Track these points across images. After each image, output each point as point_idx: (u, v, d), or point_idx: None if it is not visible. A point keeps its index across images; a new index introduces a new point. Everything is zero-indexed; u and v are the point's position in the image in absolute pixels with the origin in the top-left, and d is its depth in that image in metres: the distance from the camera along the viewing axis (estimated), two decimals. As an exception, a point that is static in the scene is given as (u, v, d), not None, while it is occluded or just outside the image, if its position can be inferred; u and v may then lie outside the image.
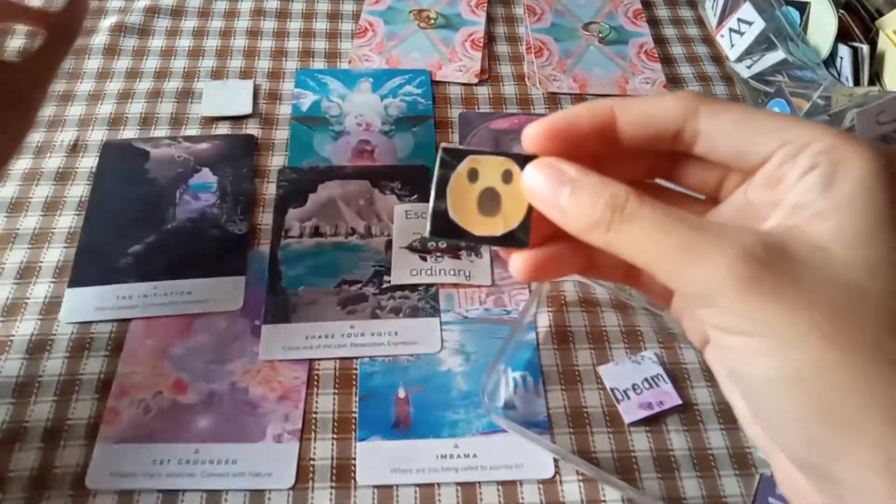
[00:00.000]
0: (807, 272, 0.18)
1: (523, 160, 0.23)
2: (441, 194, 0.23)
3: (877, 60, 0.55)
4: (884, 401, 0.17)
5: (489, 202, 0.23)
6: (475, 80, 0.61)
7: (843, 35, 0.55)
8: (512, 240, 0.23)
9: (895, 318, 0.18)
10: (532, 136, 0.22)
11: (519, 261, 0.23)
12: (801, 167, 0.19)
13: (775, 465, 0.21)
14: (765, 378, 0.18)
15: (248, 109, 0.57)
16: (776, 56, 0.58)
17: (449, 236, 0.23)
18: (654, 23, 0.68)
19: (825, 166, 0.19)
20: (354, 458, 0.39)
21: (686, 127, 0.21)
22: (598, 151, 0.22)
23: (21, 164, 0.52)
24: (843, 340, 0.17)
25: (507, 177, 0.23)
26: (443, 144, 0.23)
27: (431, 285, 0.47)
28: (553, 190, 0.21)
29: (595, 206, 0.20)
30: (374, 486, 0.39)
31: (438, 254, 0.48)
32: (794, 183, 0.19)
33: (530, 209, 0.23)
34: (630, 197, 0.20)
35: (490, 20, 0.67)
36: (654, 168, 0.24)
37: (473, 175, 0.23)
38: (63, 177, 0.52)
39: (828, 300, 0.18)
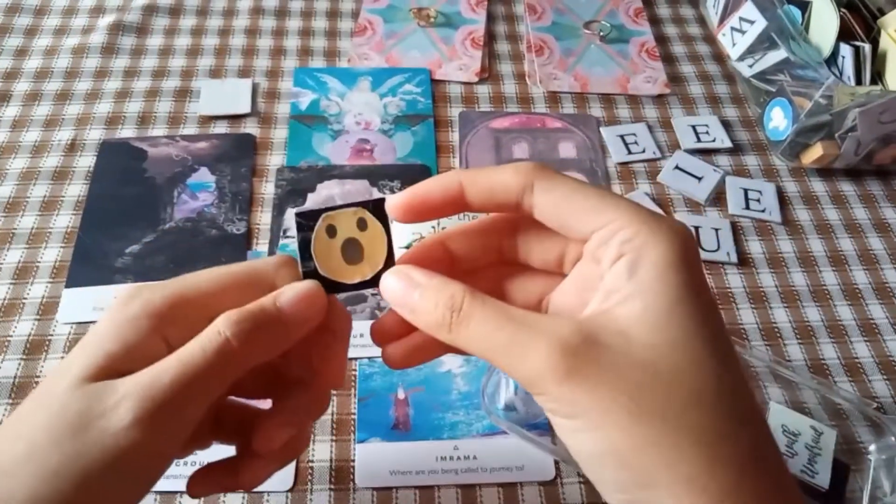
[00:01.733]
0: (612, 357, 0.20)
1: (373, 205, 0.25)
2: (307, 255, 0.25)
3: (878, 60, 0.55)
4: (682, 469, 0.19)
5: (352, 251, 0.25)
6: (475, 79, 0.61)
7: (845, 34, 0.55)
8: (381, 279, 0.25)
9: (694, 390, 0.20)
10: (393, 208, 0.25)
11: (389, 353, 0.26)
12: (611, 255, 0.22)
13: None
14: (588, 452, 0.21)
15: (246, 108, 0.56)
16: (778, 55, 0.58)
17: (328, 290, 0.25)
18: (655, 21, 0.68)
19: (630, 254, 0.22)
20: (353, 460, 0.39)
21: (524, 199, 0.24)
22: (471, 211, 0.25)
23: (18, 164, 0.52)
24: (646, 416, 0.20)
25: (363, 224, 0.25)
26: (295, 210, 0.25)
27: (431, 285, 0.47)
28: (405, 293, 0.24)
29: (437, 307, 0.23)
30: (373, 489, 0.38)
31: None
32: (607, 269, 0.22)
33: (390, 247, 0.26)
34: (466, 297, 0.22)
35: (490, 18, 0.67)
36: (516, 227, 0.27)
37: (332, 231, 0.25)
38: (60, 176, 0.51)
39: (630, 381, 0.20)
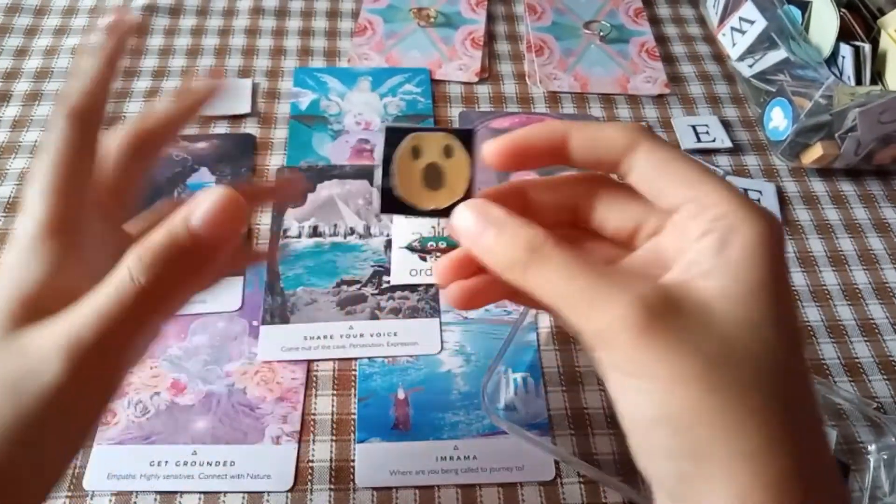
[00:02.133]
0: (692, 325, 0.20)
1: (462, 135, 0.25)
2: (387, 172, 0.24)
3: (878, 60, 0.55)
4: (740, 445, 0.19)
5: (433, 177, 0.25)
6: (475, 79, 0.61)
7: (845, 34, 0.55)
8: (454, 211, 0.24)
9: (764, 373, 0.20)
10: (492, 153, 0.24)
11: (453, 291, 0.26)
12: (700, 229, 0.22)
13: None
14: (646, 416, 0.20)
15: (246, 108, 0.56)
16: (778, 55, 0.58)
17: (398, 212, 0.25)
18: (655, 21, 0.68)
19: (720, 231, 0.21)
20: (353, 460, 0.39)
21: (624, 158, 0.24)
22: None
23: (18, 164, 0.52)
24: (716, 388, 0.19)
25: (448, 152, 0.25)
26: (385, 124, 0.25)
27: (431, 285, 0.47)
28: (480, 229, 0.23)
29: (515, 247, 0.22)
30: (373, 489, 0.38)
31: (438, 253, 0.48)
32: (694, 241, 0.22)
33: (472, 181, 0.25)
34: (547, 240, 0.22)
35: (490, 18, 0.67)
36: (597, 190, 0.26)
37: (416, 152, 0.25)
38: (60, 176, 0.51)
39: (707, 351, 0.20)
